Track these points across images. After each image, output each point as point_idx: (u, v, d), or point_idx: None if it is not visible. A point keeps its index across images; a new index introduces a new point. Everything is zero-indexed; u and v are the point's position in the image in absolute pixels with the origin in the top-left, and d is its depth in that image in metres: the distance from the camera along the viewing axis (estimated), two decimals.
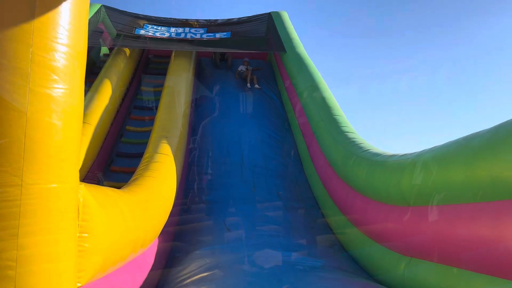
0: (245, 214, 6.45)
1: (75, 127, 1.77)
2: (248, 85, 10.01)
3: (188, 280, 3.96)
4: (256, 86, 10.03)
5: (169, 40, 10.28)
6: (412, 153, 3.96)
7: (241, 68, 10.21)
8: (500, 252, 2.59)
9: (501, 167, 2.57)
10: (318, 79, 8.26)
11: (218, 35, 10.67)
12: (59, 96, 1.67)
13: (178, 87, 7.98)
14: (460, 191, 3.04)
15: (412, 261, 3.80)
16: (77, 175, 1.84)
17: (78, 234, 2.07)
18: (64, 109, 1.68)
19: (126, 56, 9.13)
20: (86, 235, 2.10)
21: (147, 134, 7.42)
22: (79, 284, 2.07)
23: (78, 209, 2.02)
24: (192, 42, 10.26)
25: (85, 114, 6.60)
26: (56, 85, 1.66)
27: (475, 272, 2.91)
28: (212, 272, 4.28)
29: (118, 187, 3.76)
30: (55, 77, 1.65)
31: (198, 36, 10.60)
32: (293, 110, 9.03)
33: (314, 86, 8.00)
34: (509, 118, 2.68)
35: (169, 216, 5.29)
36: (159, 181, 4.74)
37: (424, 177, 3.51)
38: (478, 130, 2.99)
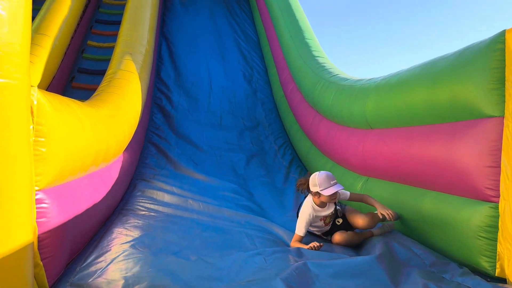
0: (211, 146, 6.45)
1: (24, 19, 1.63)
2: None
3: (149, 205, 4.04)
4: None
5: None
6: (378, 77, 3.98)
7: None
8: (451, 170, 2.74)
9: (461, 89, 2.62)
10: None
11: None
12: None
13: (143, 1, 7.48)
14: (420, 113, 3.12)
15: (369, 181, 3.99)
16: (27, 73, 1.73)
17: (33, 138, 2.01)
18: None
19: None
20: (42, 139, 2.04)
21: (110, 50, 7.07)
22: (37, 188, 2.05)
23: (32, 111, 1.93)
24: None
25: (42, 25, 6.15)
26: None
27: (426, 189, 3.10)
28: (177, 200, 4.39)
29: None
30: None
31: None
32: (265, 33, 8.76)
33: (287, 7, 7.71)
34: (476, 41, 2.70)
35: (134, 135, 5.23)
36: (123, 98, 4.60)
37: (387, 101, 3.57)
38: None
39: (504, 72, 2.38)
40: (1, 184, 1.64)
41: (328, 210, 3.36)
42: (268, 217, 4.21)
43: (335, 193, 3.21)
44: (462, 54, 2.69)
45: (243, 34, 9.16)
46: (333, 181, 3.20)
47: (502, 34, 2.42)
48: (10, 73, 1.58)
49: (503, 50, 2.38)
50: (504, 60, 2.38)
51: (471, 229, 2.50)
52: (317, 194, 3.22)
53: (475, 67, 2.52)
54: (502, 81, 2.39)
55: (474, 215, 2.50)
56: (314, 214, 3.29)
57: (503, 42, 2.40)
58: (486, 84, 2.44)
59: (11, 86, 1.62)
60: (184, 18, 9.17)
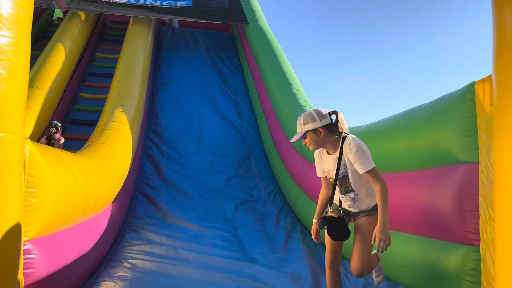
0: (200, 195, 6.48)
1: (21, 78, 1.74)
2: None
3: (137, 256, 4.00)
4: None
5: (128, 5, 9.93)
6: (361, 126, 4.15)
7: None
8: (435, 215, 2.81)
9: (437, 137, 2.76)
10: (279, 53, 8.32)
11: (179, 3, 10.42)
12: (4, 45, 1.63)
13: (135, 55, 7.77)
14: (402, 160, 3.24)
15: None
16: (23, 128, 1.81)
17: (24, 189, 2.05)
18: (9, 58, 1.64)
19: (81, 20, 8.74)
20: (33, 190, 2.09)
21: (102, 102, 7.25)
22: (25, 238, 2.07)
23: (24, 163, 2.00)
24: (151, 9, 9.98)
25: (36, 79, 6.33)
26: (0, 33, 1.61)
27: (411, 234, 3.15)
28: (165, 250, 4.33)
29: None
30: None
31: (158, 2, 10.31)
32: (254, 84, 9.07)
33: (274, 61, 8.05)
34: (449, 92, 2.87)
35: (124, 185, 5.25)
36: (113, 149, 4.68)
37: (370, 148, 3.69)
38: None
39: (476, 120, 2.53)
40: None
41: (329, 156, 2.61)
42: (258, 262, 4.19)
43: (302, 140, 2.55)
44: (436, 104, 2.86)
45: (232, 85, 9.48)
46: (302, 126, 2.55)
47: (472, 85, 2.59)
48: (7, 127, 1.67)
49: (473, 101, 2.55)
50: (475, 110, 2.54)
51: (456, 272, 2.54)
52: None
53: (448, 116, 2.67)
54: (474, 128, 2.53)
55: (458, 259, 2.55)
56: (319, 154, 2.69)
57: (473, 93, 2.57)
58: (460, 132, 2.59)
59: (7, 139, 1.69)
60: (176, 70, 9.49)
